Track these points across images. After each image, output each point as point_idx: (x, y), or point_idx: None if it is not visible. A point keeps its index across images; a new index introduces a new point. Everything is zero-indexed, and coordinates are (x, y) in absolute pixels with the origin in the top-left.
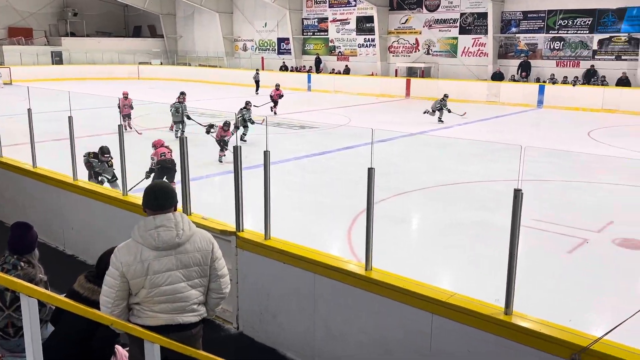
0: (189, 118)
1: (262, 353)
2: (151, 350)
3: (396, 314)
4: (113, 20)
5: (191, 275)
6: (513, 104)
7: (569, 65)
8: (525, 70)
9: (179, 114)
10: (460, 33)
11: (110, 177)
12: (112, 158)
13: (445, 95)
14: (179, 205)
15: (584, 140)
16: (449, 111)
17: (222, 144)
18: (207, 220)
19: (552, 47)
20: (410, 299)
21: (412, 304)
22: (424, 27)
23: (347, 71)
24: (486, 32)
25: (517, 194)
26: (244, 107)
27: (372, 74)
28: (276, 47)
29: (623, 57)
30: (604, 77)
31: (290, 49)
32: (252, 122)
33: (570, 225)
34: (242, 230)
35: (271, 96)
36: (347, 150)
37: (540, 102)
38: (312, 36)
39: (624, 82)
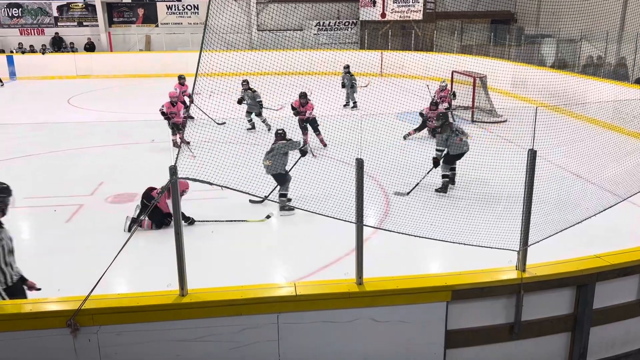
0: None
1: None
2: None
3: None
4: None
5: None
6: None
7: (34, 33)
8: None
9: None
10: None
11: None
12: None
13: (346, 67)
14: None
15: (65, 108)
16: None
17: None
18: None
19: (10, 14)
20: None
21: None
22: None
23: None
24: None
25: None
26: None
27: None
28: None
29: (85, 24)
30: (72, 43)
31: None
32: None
33: (65, 195)
34: None
35: None
36: None
37: (13, 74)
38: None
39: (90, 47)
